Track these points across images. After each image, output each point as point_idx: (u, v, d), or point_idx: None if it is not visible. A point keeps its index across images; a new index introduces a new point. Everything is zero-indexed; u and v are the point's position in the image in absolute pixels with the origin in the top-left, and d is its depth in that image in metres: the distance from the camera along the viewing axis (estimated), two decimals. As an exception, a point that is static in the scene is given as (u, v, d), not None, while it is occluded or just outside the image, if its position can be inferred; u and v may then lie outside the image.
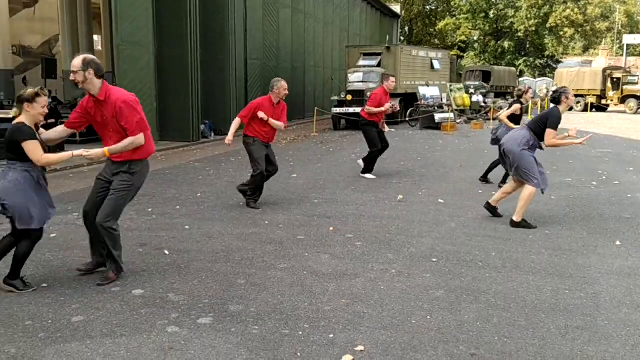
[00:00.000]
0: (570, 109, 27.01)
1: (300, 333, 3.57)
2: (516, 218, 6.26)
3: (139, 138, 4.19)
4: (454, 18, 51.53)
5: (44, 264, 4.85)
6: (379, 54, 21.47)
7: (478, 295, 4.24)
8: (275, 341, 3.46)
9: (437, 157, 12.26)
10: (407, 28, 54.68)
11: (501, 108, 22.22)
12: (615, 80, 31.54)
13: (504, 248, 5.47)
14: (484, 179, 9.03)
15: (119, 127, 4.16)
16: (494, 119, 21.58)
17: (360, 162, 9.74)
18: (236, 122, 7.13)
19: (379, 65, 20.85)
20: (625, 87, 31.11)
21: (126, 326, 3.65)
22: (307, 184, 8.86)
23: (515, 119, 8.59)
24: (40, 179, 4.18)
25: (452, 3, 51.42)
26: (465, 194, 8.18)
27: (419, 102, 20.86)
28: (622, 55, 48.67)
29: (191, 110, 14.50)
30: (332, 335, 3.54)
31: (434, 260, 5.08)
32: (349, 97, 18.88)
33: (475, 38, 51.23)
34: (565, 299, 4.18)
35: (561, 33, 47.85)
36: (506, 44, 48.52)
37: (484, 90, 27.17)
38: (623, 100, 31.09)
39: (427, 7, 54.29)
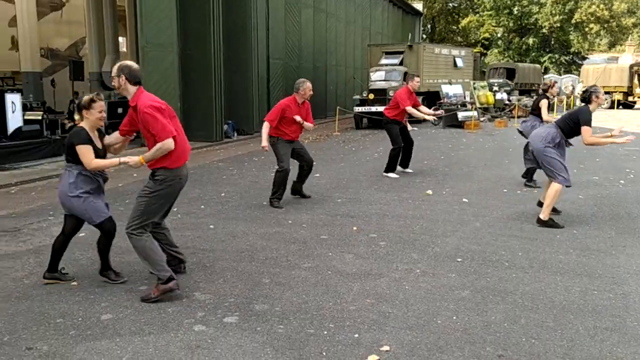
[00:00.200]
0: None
1: (326, 332, 3.59)
2: (543, 216, 6.19)
3: (167, 143, 4.07)
4: (477, 15, 50.92)
5: (73, 262, 4.95)
6: (401, 53, 21.38)
7: (505, 295, 4.20)
8: (300, 340, 3.48)
9: (461, 156, 12.15)
10: (429, 26, 54.26)
11: (526, 106, 22.02)
12: (642, 76, 30.93)
13: (530, 248, 5.41)
14: (529, 182, 8.58)
15: (149, 134, 4.20)
16: (518, 117, 21.31)
17: (400, 168, 9.69)
18: (266, 127, 7.16)
19: (401, 63, 20.76)
20: (652, 83, 30.52)
21: (154, 324, 3.71)
22: (330, 183, 8.87)
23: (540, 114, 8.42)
24: (100, 181, 4.38)
25: (475, 0, 50.87)
26: (489, 193, 8.10)
27: (441, 101, 20.72)
28: (649, 51, 47.67)
29: (214, 110, 14.59)
30: (357, 335, 3.55)
31: (459, 260, 5.05)
32: (371, 96, 18.85)
33: (499, 35, 50.57)
34: (594, 300, 4.12)
35: (586, 29, 46.96)
36: (530, 41, 47.76)
37: (508, 88, 26.78)
38: (650, 97, 30.51)
39: (450, 4, 53.78)
